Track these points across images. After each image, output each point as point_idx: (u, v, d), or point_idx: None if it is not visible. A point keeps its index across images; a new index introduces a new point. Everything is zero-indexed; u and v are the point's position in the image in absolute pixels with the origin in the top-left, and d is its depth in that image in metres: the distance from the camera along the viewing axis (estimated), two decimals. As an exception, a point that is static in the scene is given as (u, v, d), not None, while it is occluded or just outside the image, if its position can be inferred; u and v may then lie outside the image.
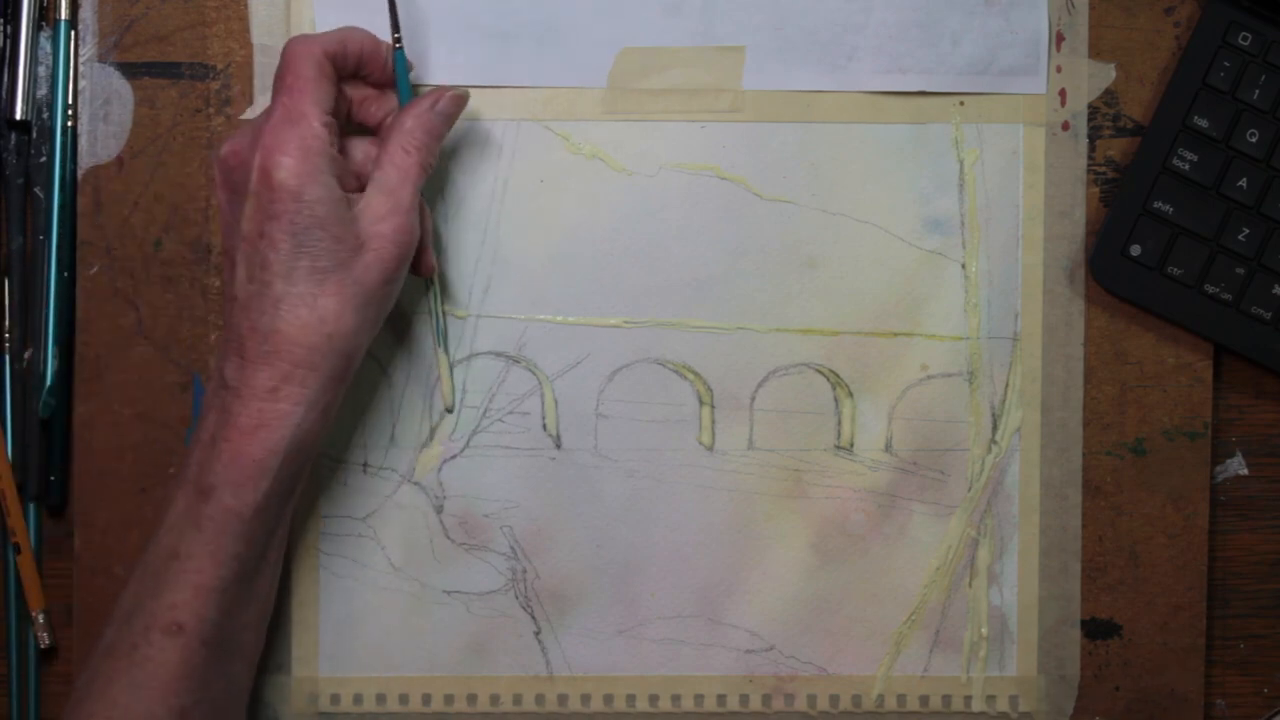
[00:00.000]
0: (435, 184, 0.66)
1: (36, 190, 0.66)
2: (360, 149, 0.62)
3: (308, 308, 0.57)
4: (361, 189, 0.60)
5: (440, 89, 0.62)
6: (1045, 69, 0.66)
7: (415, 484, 0.66)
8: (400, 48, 0.62)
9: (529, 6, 0.65)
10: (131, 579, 0.59)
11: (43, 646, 0.66)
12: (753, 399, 0.66)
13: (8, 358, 0.66)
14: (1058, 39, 0.66)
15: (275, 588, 0.62)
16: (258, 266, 0.58)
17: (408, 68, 0.63)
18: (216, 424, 0.58)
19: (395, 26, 0.62)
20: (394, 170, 0.60)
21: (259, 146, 0.57)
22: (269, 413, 0.57)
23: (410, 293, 0.66)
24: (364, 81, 0.63)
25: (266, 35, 0.65)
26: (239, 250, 0.58)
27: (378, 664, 0.66)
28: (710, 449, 0.66)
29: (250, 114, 0.65)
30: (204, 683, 0.58)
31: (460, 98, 0.62)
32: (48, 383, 0.65)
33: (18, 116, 0.65)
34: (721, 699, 0.67)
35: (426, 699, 0.66)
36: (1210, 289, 0.65)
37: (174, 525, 0.58)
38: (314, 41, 0.59)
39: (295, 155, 0.57)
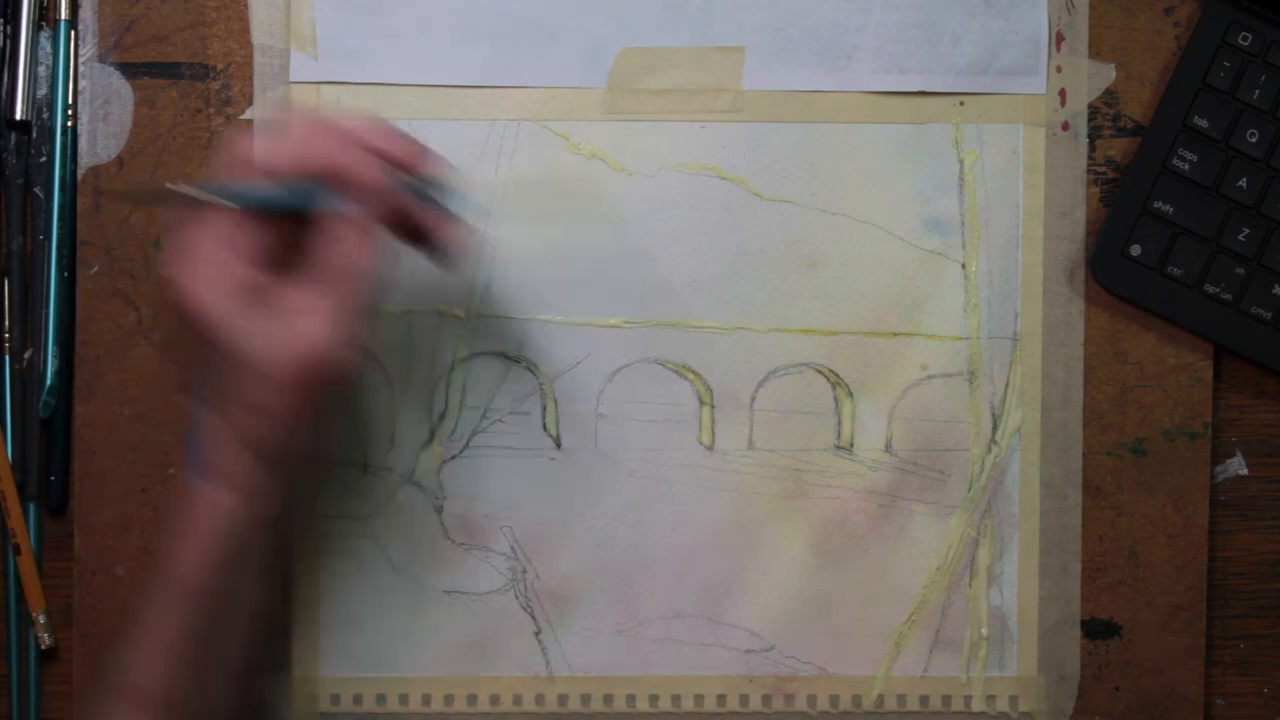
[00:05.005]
0: (435, 184, 0.66)
1: (36, 190, 0.66)
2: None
3: (222, 416, 0.56)
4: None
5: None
6: (1045, 69, 0.66)
7: (415, 484, 0.66)
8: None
9: (529, 6, 0.65)
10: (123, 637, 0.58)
11: (43, 647, 0.66)
12: (753, 399, 0.66)
13: (8, 358, 0.66)
14: (1058, 39, 0.66)
15: (266, 656, 0.60)
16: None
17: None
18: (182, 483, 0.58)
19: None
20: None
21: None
22: (206, 490, 0.56)
23: (409, 293, 0.66)
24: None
25: (266, 35, 0.65)
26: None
27: (378, 664, 0.66)
28: (710, 449, 0.66)
29: (250, 114, 0.65)
30: None
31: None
32: (48, 383, 0.65)
33: (18, 116, 0.65)
34: (721, 699, 0.67)
35: (426, 699, 0.66)
36: (1210, 289, 0.65)
37: (151, 588, 0.57)
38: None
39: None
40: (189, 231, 0.55)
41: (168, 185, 0.55)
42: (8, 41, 0.66)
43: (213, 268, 0.54)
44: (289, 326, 0.54)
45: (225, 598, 0.57)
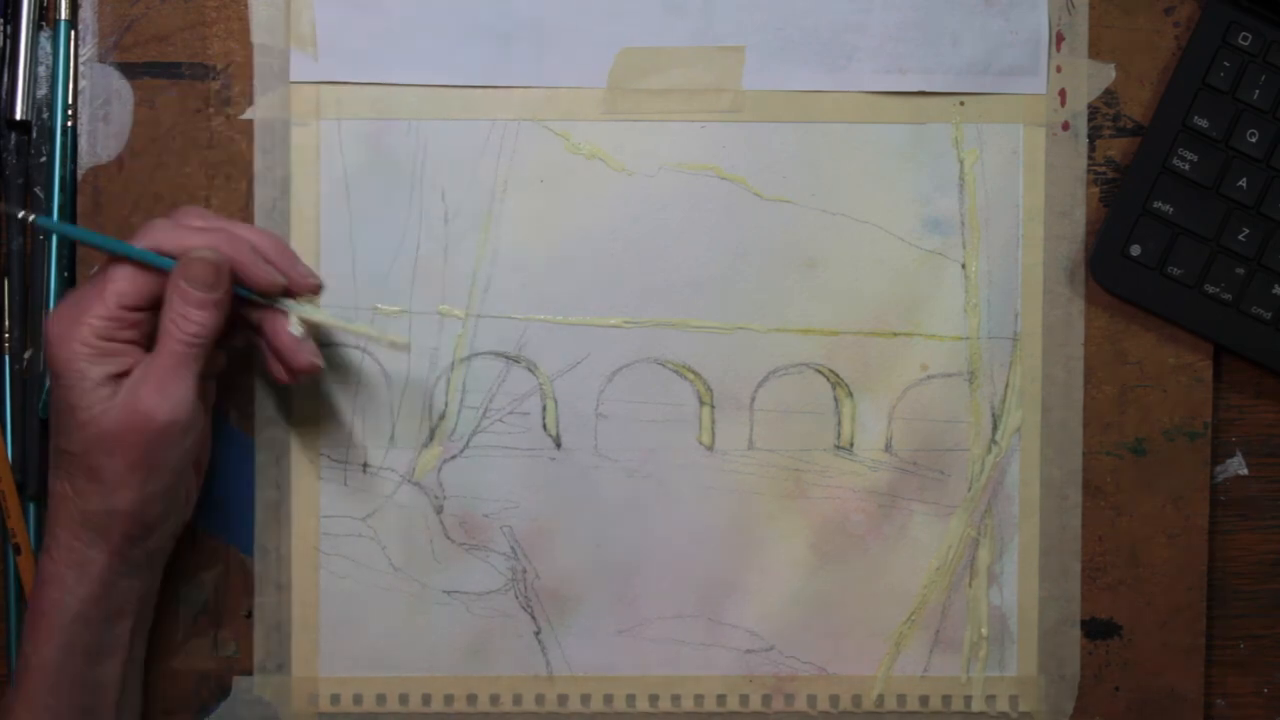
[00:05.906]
0: (435, 184, 0.66)
1: (36, 190, 0.66)
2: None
3: (63, 484, 0.57)
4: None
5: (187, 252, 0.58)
6: (1045, 69, 0.66)
7: (415, 484, 0.66)
8: (32, 218, 0.59)
9: (529, 6, 0.65)
10: None
11: (43, 646, 0.66)
12: (753, 399, 0.66)
13: (8, 358, 0.66)
14: (1058, 39, 0.66)
15: None
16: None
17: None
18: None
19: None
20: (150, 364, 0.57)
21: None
22: (47, 570, 0.57)
23: (410, 293, 0.66)
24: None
25: (266, 35, 0.65)
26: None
27: (378, 664, 0.66)
28: (710, 449, 0.66)
29: (250, 114, 0.65)
30: None
31: (203, 262, 0.57)
32: (48, 383, 0.65)
33: (18, 116, 0.65)
34: (721, 699, 0.67)
35: (426, 699, 0.66)
36: (1210, 289, 0.65)
37: (19, 674, 0.58)
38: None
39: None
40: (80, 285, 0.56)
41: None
42: (8, 41, 0.66)
43: (76, 309, 0.56)
44: (127, 391, 0.55)
45: (85, 679, 0.57)
